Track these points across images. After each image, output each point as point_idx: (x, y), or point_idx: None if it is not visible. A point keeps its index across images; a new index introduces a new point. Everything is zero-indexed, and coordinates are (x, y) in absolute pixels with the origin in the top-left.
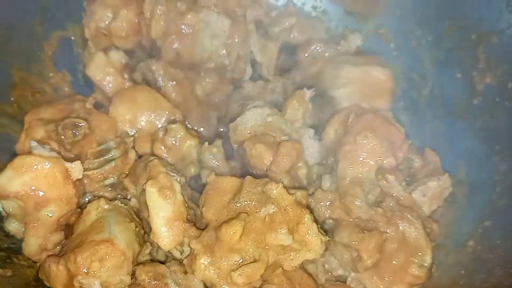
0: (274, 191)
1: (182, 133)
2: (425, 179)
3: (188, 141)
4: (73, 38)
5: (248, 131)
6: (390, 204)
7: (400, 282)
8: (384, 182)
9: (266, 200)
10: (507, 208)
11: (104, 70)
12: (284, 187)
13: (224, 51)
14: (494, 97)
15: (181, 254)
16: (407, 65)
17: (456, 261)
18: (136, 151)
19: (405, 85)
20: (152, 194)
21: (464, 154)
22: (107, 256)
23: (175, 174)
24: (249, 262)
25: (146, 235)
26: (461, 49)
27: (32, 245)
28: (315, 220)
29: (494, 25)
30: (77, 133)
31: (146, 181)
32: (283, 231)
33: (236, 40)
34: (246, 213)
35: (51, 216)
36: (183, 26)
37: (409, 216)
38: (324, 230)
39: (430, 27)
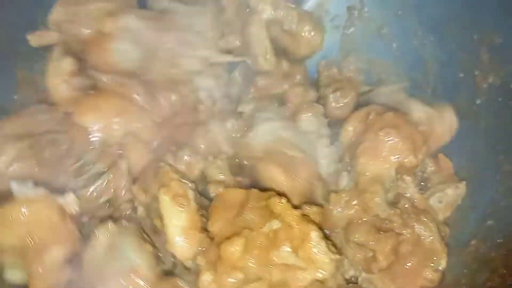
0: (278, 206)
1: (195, 161)
2: (442, 186)
3: (198, 166)
4: None
5: (260, 149)
6: (405, 206)
7: (412, 285)
8: (401, 182)
9: (271, 215)
10: (509, 207)
11: (58, 83)
12: (289, 201)
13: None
14: (497, 97)
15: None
16: (410, 65)
17: (458, 260)
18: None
19: (407, 85)
20: (165, 202)
21: (466, 154)
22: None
23: (187, 181)
24: (252, 280)
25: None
26: (464, 49)
27: None
28: (325, 236)
29: (496, 25)
30: (59, 149)
31: (158, 189)
32: (286, 249)
33: None
34: (250, 228)
35: (54, 259)
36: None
37: (424, 219)
38: (335, 246)
39: (432, 27)
